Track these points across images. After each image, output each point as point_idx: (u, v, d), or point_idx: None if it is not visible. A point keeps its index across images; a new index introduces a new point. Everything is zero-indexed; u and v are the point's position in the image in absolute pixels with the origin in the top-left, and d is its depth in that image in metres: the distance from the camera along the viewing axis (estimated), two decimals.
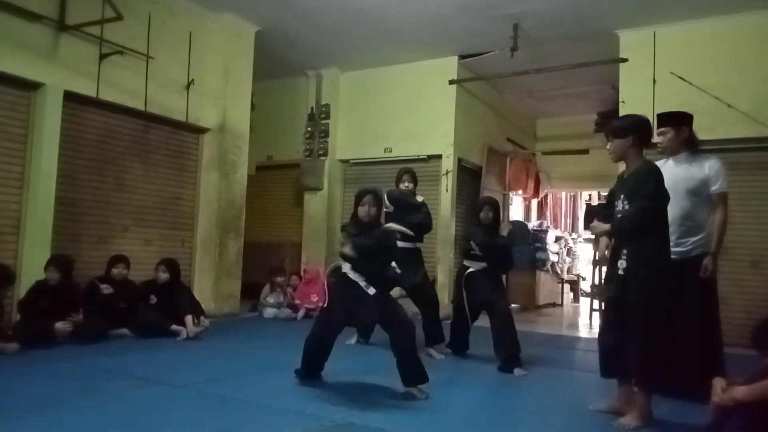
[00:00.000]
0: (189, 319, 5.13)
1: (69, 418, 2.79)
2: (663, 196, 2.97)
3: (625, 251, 2.95)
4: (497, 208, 4.61)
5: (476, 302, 4.47)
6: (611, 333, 3.04)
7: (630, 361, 2.93)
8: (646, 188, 2.90)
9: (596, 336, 6.83)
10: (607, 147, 3.12)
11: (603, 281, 3.31)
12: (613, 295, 3.00)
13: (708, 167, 3.42)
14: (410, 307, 4.90)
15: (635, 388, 2.96)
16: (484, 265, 4.42)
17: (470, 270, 4.48)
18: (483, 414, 3.25)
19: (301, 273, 7.55)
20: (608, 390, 3.55)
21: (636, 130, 3.06)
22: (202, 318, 5.37)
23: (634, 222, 2.91)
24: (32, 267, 4.94)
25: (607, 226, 3.08)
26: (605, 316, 3.17)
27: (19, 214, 5.12)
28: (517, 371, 4.14)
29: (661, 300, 2.92)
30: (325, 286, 3.60)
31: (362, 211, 3.44)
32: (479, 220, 4.46)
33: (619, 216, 3.00)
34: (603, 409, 3.07)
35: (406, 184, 4.85)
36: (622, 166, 3.19)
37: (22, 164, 5.16)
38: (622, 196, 3.01)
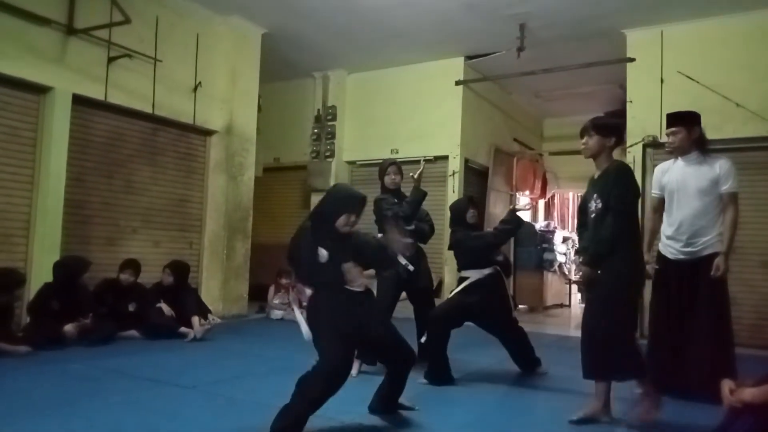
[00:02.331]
0: (196, 320, 5.16)
1: (79, 419, 2.81)
2: (636, 193, 3.09)
3: None
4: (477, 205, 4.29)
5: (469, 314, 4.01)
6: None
7: (611, 354, 2.97)
8: (618, 187, 2.98)
9: None
10: (583, 141, 3.15)
11: (583, 283, 3.34)
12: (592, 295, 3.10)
13: (719, 167, 3.40)
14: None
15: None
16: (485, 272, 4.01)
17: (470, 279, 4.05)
18: (494, 414, 3.24)
19: None
20: (615, 393, 3.52)
21: (619, 132, 3.21)
22: (209, 315, 5.40)
23: (612, 238, 2.95)
24: (42, 269, 4.98)
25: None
26: (585, 314, 3.21)
27: (28, 216, 5.16)
28: (539, 369, 4.25)
29: (634, 294, 3.06)
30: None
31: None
32: (466, 221, 4.16)
33: (593, 243, 3.02)
34: (580, 417, 3.06)
35: (392, 176, 4.46)
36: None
37: (32, 167, 5.20)
38: (595, 195, 3.08)
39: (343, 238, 2.75)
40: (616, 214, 2.95)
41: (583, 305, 3.43)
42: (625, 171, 3.09)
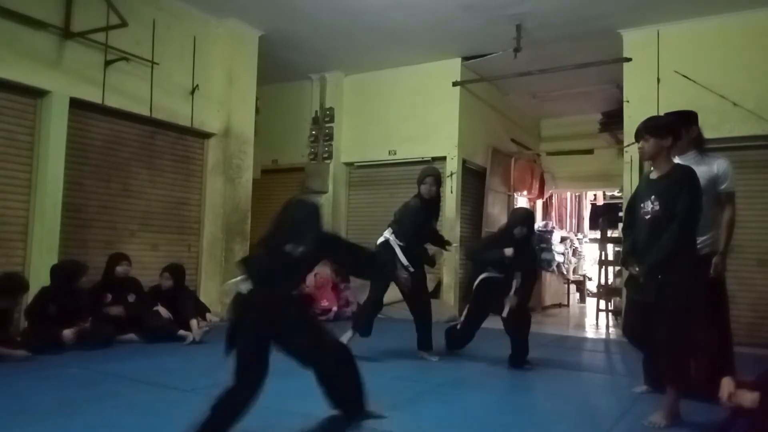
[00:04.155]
0: (194, 323, 5.16)
1: (78, 424, 2.80)
2: (700, 201, 2.96)
3: None
4: (532, 222, 4.52)
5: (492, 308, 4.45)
6: (645, 337, 3.04)
7: (663, 362, 2.94)
8: (688, 195, 2.88)
9: (603, 336, 6.82)
10: (639, 146, 3.07)
11: (626, 282, 3.26)
12: (651, 300, 2.96)
13: (716, 166, 3.41)
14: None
15: (668, 388, 2.96)
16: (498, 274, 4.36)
17: (486, 275, 4.42)
18: (490, 415, 3.24)
19: (313, 277, 7.54)
20: (617, 392, 3.54)
21: (674, 131, 3.06)
22: (208, 315, 5.40)
23: (678, 248, 2.88)
24: (40, 273, 4.96)
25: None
26: (636, 319, 3.13)
27: (26, 220, 5.15)
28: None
29: (699, 306, 2.94)
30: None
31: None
32: (512, 234, 4.29)
33: (655, 250, 2.92)
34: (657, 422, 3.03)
35: (429, 187, 4.47)
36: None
37: (29, 171, 5.19)
38: (652, 197, 2.98)
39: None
40: (684, 223, 2.88)
41: (631, 307, 3.27)
42: (693, 177, 2.95)
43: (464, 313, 4.58)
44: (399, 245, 4.40)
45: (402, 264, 4.36)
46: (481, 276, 4.43)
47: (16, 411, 2.96)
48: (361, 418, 2.84)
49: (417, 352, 4.58)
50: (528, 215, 4.55)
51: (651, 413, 3.00)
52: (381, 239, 4.54)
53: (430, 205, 4.57)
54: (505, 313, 4.26)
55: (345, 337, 4.22)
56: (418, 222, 4.44)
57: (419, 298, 4.60)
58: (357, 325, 4.42)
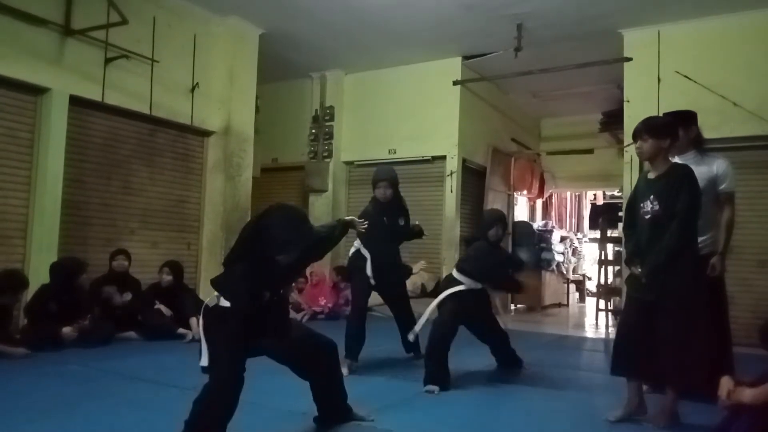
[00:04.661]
0: (194, 321, 5.15)
1: (78, 421, 2.80)
2: (699, 200, 2.95)
3: None
4: (506, 223, 4.33)
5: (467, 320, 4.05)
6: (636, 333, 3.02)
7: (663, 362, 2.91)
8: (688, 195, 2.86)
9: (603, 336, 6.82)
10: (637, 146, 3.04)
11: (627, 280, 3.24)
12: (651, 299, 2.94)
13: (716, 166, 3.41)
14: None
15: (668, 388, 2.95)
16: (478, 285, 3.99)
17: (462, 288, 3.96)
18: (491, 414, 3.24)
19: (309, 276, 7.55)
20: (616, 392, 3.53)
21: (674, 131, 3.05)
22: None
23: (680, 248, 2.86)
24: (39, 270, 4.96)
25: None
26: (630, 316, 3.11)
27: (26, 217, 5.15)
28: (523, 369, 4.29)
29: (700, 306, 2.92)
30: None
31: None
32: (487, 237, 4.03)
33: (656, 252, 2.90)
34: (619, 418, 3.05)
35: (383, 191, 4.27)
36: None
37: (29, 168, 5.19)
38: (652, 197, 2.96)
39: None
40: (685, 222, 2.86)
41: (628, 305, 3.22)
42: (691, 176, 2.93)
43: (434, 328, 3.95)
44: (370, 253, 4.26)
45: (367, 274, 4.21)
46: (454, 289, 3.98)
47: (15, 408, 2.96)
48: (345, 421, 2.81)
49: (408, 354, 4.55)
50: (500, 216, 4.24)
51: (651, 413, 3.00)
52: (353, 249, 4.38)
53: (391, 207, 4.35)
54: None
55: (344, 371, 3.66)
56: (383, 225, 4.24)
57: (401, 301, 4.54)
58: (349, 355, 4.08)
